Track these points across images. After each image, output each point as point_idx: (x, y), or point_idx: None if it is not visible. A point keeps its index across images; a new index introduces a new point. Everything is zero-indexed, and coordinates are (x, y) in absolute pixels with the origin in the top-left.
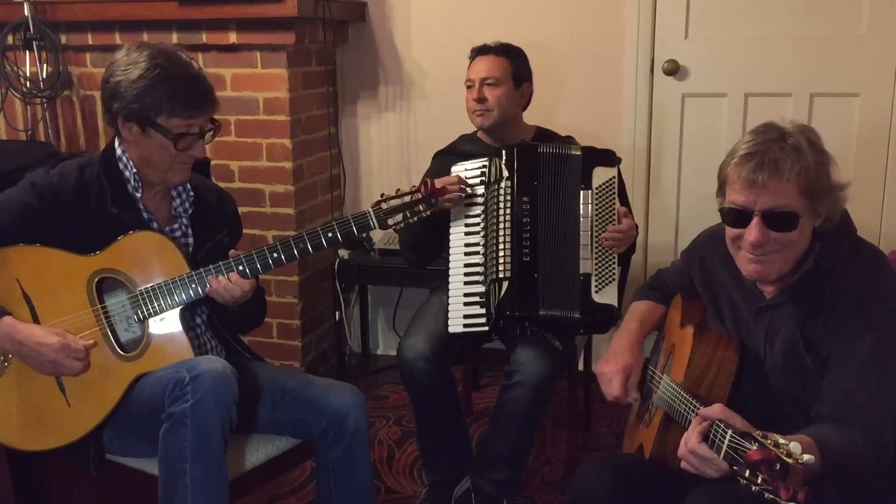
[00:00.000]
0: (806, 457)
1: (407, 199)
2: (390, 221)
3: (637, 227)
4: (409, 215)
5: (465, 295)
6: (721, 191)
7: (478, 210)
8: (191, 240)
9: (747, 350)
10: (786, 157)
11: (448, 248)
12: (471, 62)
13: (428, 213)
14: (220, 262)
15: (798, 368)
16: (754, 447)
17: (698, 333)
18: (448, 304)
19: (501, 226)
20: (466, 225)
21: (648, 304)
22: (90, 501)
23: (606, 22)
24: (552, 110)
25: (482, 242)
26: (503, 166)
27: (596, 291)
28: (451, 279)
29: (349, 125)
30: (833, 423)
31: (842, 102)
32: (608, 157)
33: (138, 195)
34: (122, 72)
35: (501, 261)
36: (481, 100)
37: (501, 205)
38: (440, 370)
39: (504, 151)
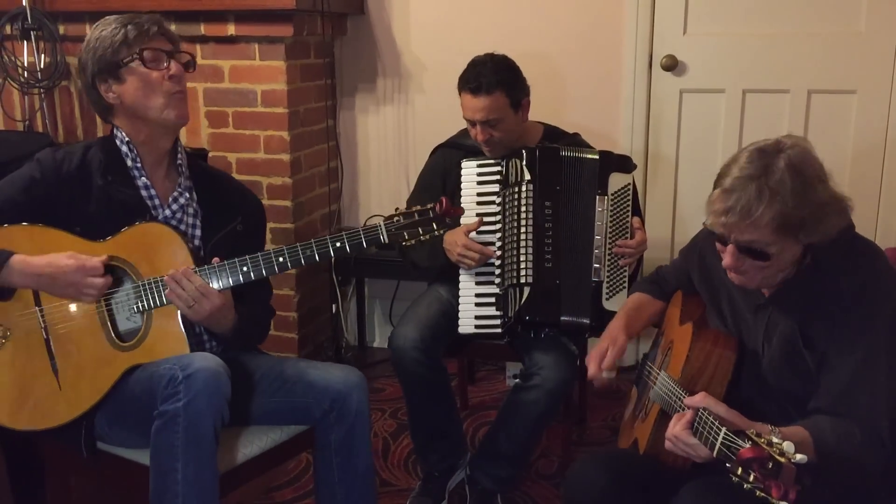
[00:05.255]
0: (798, 456)
1: (420, 216)
2: (400, 238)
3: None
4: (421, 233)
5: (477, 296)
6: None
7: (493, 209)
8: (199, 231)
9: (746, 348)
10: (760, 203)
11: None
12: (462, 93)
13: (441, 232)
14: (226, 262)
15: (796, 365)
16: (747, 445)
17: (697, 331)
18: (458, 305)
19: (523, 230)
20: (480, 223)
21: (643, 296)
22: (85, 489)
23: (605, 16)
24: (550, 105)
25: (498, 244)
26: (524, 168)
27: (606, 299)
28: (461, 279)
29: (347, 118)
30: (830, 416)
31: (839, 99)
32: (625, 164)
33: (139, 164)
34: (88, 41)
35: (523, 266)
36: (486, 139)
37: (523, 208)
38: (431, 359)
39: (525, 153)
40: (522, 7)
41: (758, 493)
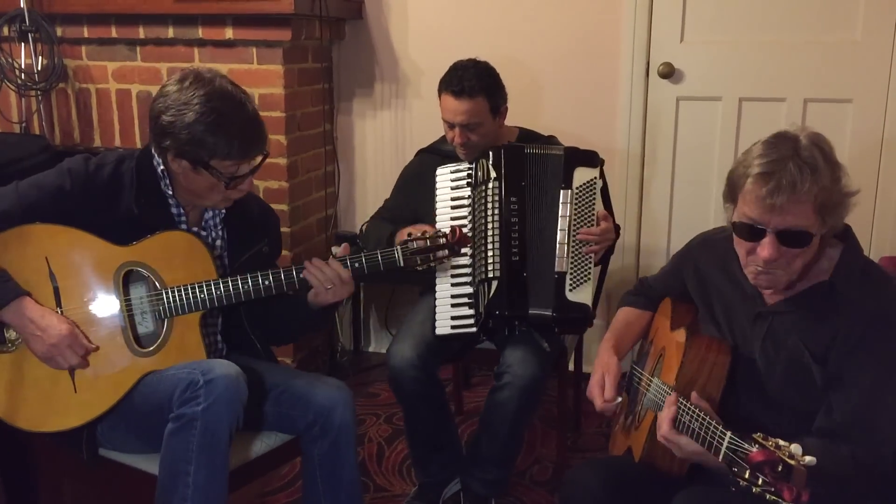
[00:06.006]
0: (808, 458)
1: (434, 242)
2: (413, 261)
3: (618, 228)
4: (432, 258)
5: (453, 297)
6: (730, 197)
7: (464, 212)
8: (220, 242)
9: (740, 354)
10: (804, 179)
11: None
12: (443, 94)
13: (448, 258)
14: (248, 274)
15: (801, 381)
16: (755, 448)
17: (690, 336)
18: (435, 306)
19: (490, 226)
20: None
21: (631, 311)
22: (78, 494)
23: (602, 24)
24: (547, 112)
25: (470, 244)
26: (490, 167)
27: (570, 290)
28: (437, 281)
29: (344, 122)
30: (826, 439)
31: (835, 108)
32: (590, 158)
33: (170, 192)
34: (177, 112)
35: (490, 261)
36: (464, 142)
37: (489, 205)
38: (428, 376)
39: (491, 153)
40: (520, 14)
41: (768, 496)
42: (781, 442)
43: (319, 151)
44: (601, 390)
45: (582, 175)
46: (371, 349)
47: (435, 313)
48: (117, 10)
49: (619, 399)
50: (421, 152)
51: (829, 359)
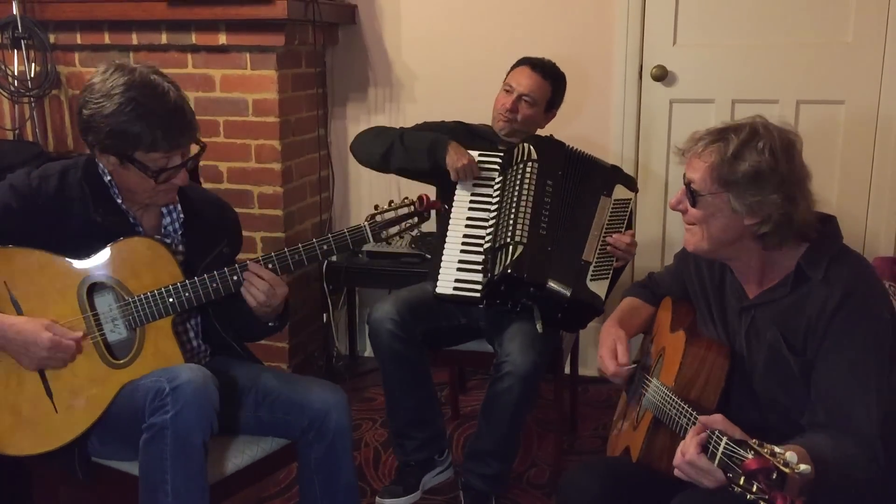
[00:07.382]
0: (802, 467)
1: (402, 211)
2: (384, 234)
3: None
4: (402, 227)
5: (461, 261)
6: None
7: (489, 191)
8: (181, 247)
9: (737, 355)
10: (707, 143)
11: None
12: (517, 65)
13: (419, 225)
14: (216, 272)
15: (780, 373)
16: (750, 455)
17: (690, 338)
18: (440, 268)
19: (524, 196)
20: (473, 201)
21: (634, 300)
22: (75, 500)
23: (595, 27)
24: None
25: (489, 218)
26: (531, 149)
27: (591, 280)
28: (447, 245)
29: (338, 127)
30: (826, 432)
31: (828, 109)
32: (630, 182)
33: (119, 201)
34: (96, 104)
35: (519, 227)
36: (513, 111)
37: (527, 179)
38: (407, 334)
39: (534, 139)
40: (513, 17)
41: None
42: (777, 449)
43: (313, 156)
44: (613, 355)
45: (621, 192)
46: (367, 354)
47: (433, 279)
48: (110, 17)
49: (633, 365)
50: (459, 122)
51: (806, 347)
